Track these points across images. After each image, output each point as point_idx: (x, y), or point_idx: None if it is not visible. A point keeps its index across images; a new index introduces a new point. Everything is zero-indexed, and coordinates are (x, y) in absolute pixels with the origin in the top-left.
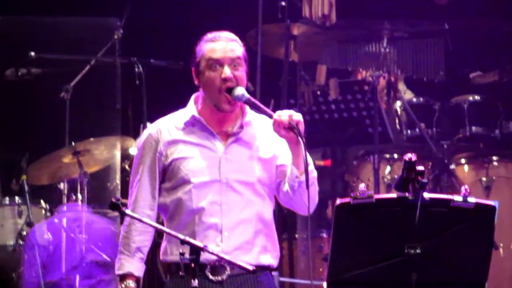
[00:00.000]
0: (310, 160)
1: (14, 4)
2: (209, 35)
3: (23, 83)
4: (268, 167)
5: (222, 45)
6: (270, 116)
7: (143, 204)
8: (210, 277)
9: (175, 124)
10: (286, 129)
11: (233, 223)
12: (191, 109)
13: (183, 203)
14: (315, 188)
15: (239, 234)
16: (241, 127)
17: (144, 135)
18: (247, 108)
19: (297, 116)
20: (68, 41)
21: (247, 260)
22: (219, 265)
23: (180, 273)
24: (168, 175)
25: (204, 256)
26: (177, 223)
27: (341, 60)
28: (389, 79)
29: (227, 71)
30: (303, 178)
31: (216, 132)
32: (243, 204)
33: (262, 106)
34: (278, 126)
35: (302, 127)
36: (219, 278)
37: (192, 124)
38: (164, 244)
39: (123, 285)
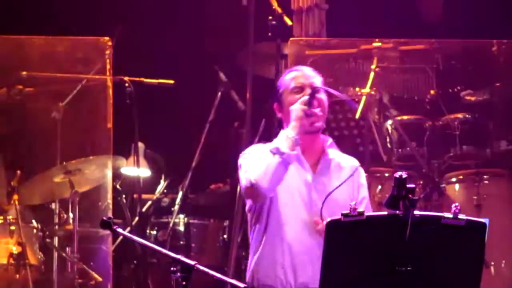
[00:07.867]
0: None
1: (6, 24)
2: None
3: (14, 102)
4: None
5: (302, 73)
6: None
7: None
8: None
9: None
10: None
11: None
12: None
13: (271, 232)
14: None
15: None
16: (322, 163)
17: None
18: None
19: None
20: (60, 60)
21: None
22: None
23: None
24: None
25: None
26: (268, 250)
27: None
28: (380, 98)
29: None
30: None
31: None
32: None
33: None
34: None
35: None
36: None
37: None
38: (252, 268)
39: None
